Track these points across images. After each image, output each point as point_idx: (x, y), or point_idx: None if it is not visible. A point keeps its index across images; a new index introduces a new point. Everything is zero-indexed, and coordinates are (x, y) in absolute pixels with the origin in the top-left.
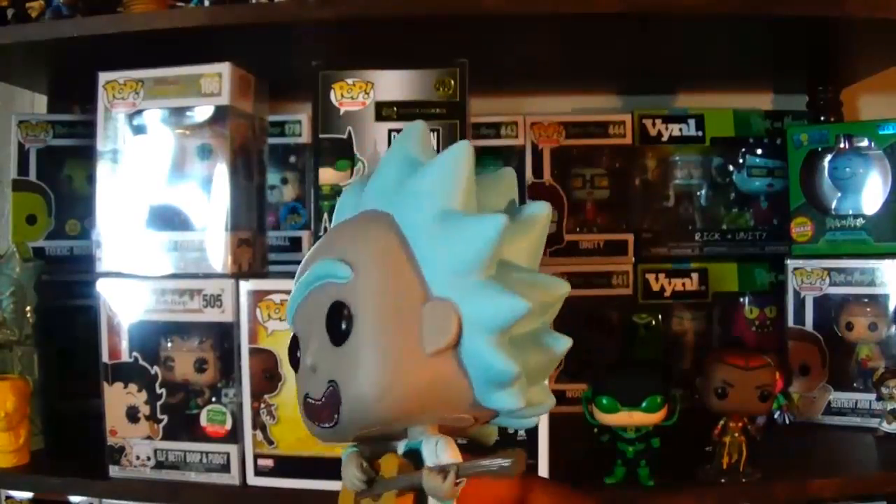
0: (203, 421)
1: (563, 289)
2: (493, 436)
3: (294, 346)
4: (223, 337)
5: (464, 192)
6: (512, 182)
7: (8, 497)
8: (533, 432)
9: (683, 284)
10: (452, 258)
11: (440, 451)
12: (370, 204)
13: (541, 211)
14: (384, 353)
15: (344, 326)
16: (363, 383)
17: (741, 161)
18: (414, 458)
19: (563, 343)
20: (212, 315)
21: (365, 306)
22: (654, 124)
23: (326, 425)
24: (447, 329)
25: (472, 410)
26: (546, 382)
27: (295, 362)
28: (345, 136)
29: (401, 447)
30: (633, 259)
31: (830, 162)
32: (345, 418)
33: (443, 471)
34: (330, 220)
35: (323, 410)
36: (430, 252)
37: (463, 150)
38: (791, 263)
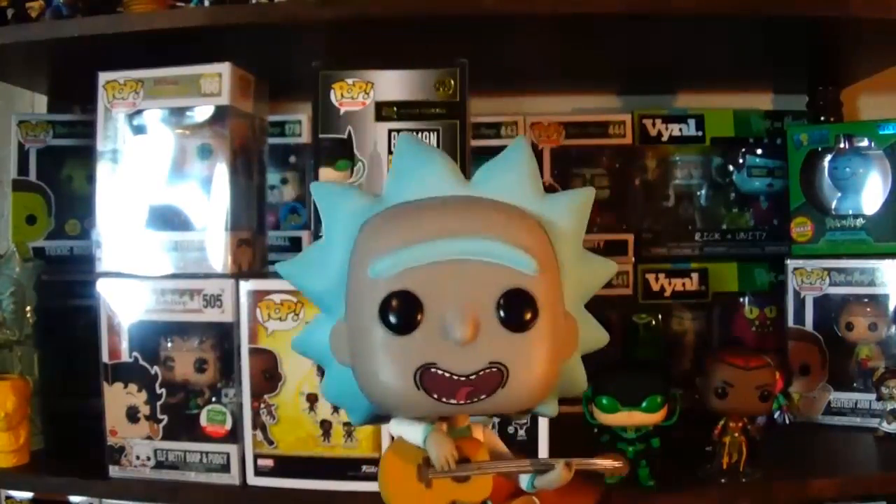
0: (203, 421)
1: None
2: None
3: (408, 307)
4: (223, 337)
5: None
6: None
7: (8, 497)
8: (533, 432)
9: (683, 284)
10: (582, 286)
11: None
12: (499, 192)
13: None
14: (553, 351)
15: (530, 316)
16: (538, 374)
17: (741, 161)
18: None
19: None
20: (212, 315)
21: (546, 304)
22: (654, 124)
23: (462, 402)
24: (575, 343)
25: None
26: None
27: (405, 325)
28: (345, 136)
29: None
30: (633, 259)
31: (830, 162)
32: (492, 399)
33: (568, 464)
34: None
35: (473, 387)
36: (572, 274)
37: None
38: (791, 263)
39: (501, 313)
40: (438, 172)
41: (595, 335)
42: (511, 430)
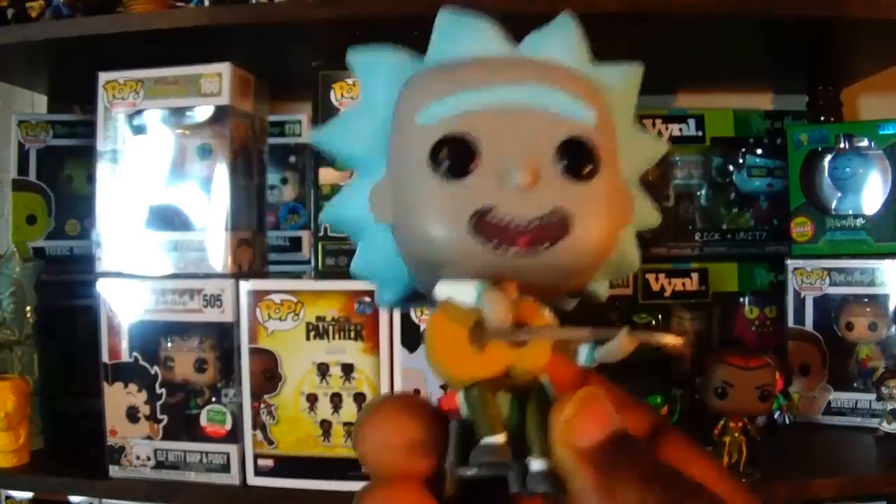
0: (203, 421)
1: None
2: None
3: (460, 150)
4: (223, 337)
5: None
6: None
7: (8, 497)
8: None
9: (683, 284)
10: (636, 160)
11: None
12: (553, 56)
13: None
14: (614, 208)
15: (590, 166)
16: (601, 224)
17: (741, 161)
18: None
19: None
20: (212, 315)
21: (607, 159)
22: (654, 124)
23: (523, 250)
24: (630, 211)
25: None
26: None
27: (458, 169)
28: None
29: None
30: None
31: (830, 162)
32: (554, 250)
33: (631, 335)
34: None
35: (536, 233)
36: (626, 144)
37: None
38: (791, 263)
39: (563, 161)
40: (486, 33)
41: (648, 212)
42: None
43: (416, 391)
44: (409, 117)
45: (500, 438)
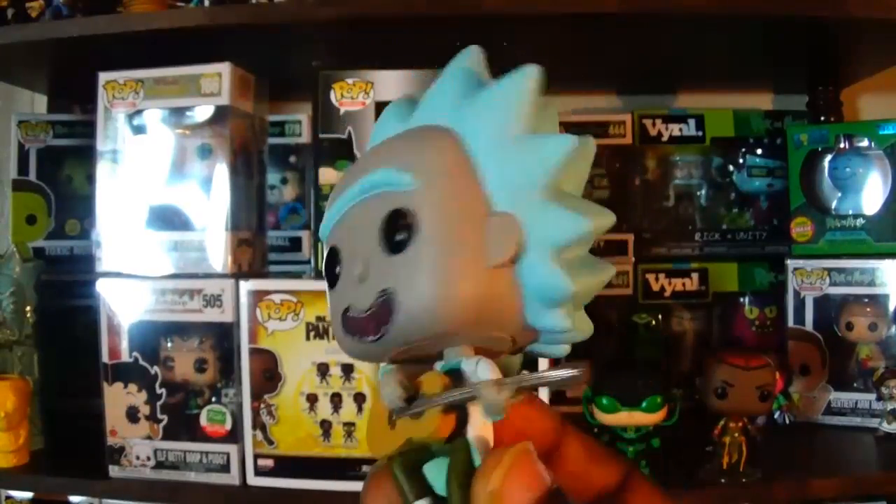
0: (203, 421)
1: (610, 218)
2: (516, 367)
3: (332, 261)
4: (223, 337)
5: (534, 111)
6: (556, 113)
7: (8, 497)
8: None
9: (683, 284)
10: (521, 174)
11: (481, 371)
12: (424, 119)
13: (591, 141)
14: (446, 262)
15: (405, 234)
16: (424, 291)
17: (741, 161)
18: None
19: (609, 269)
20: (212, 315)
21: (430, 215)
22: (654, 124)
23: (371, 338)
24: (510, 242)
25: (516, 331)
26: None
27: (332, 278)
28: (345, 136)
29: (437, 368)
30: (633, 259)
31: (830, 162)
32: (394, 329)
33: (498, 383)
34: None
35: (370, 321)
36: (497, 167)
37: (534, 72)
38: (791, 263)
39: (382, 238)
40: (385, 118)
41: (555, 228)
42: None
43: None
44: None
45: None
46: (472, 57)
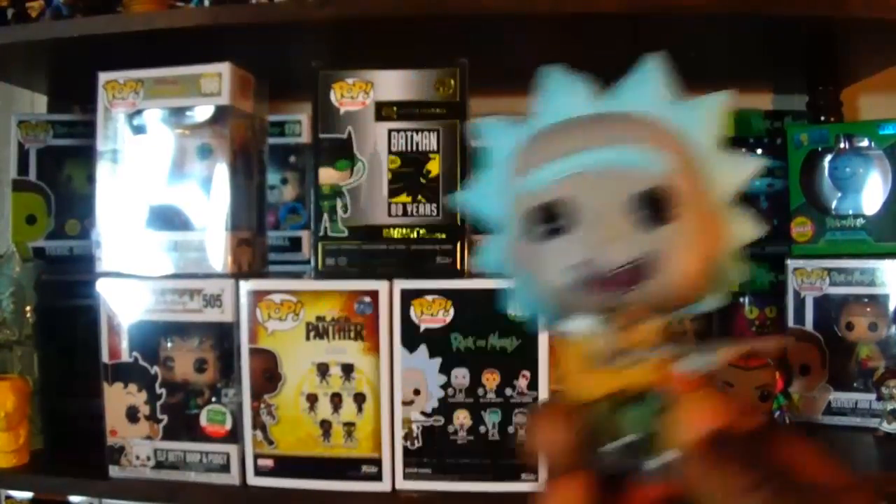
0: (203, 421)
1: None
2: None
3: (550, 214)
4: (223, 337)
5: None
6: None
7: (8, 497)
8: None
9: None
10: (728, 183)
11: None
12: (631, 106)
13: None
14: (699, 239)
15: (668, 210)
16: (683, 261)
17: None
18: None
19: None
20: (212, 315)
21: (687, 195)
22: None
23: (619, 291)
24: (724, 236)
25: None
26: None
27: (556, 227)
28: (345, 136)
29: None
30: None
31: (830, 162)
32: (646, 288)
33: (726, 349)
34: (330, 220)
35: (623, 277)
36: (709, 168)
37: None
38: (791, 263)
39: (644, 209)
40: (576, 95)
41: (746, 228)
42: (511, 430)
43: (416, 391)
44: (518, 184)
45: (618, 442)
46: (660, 62)
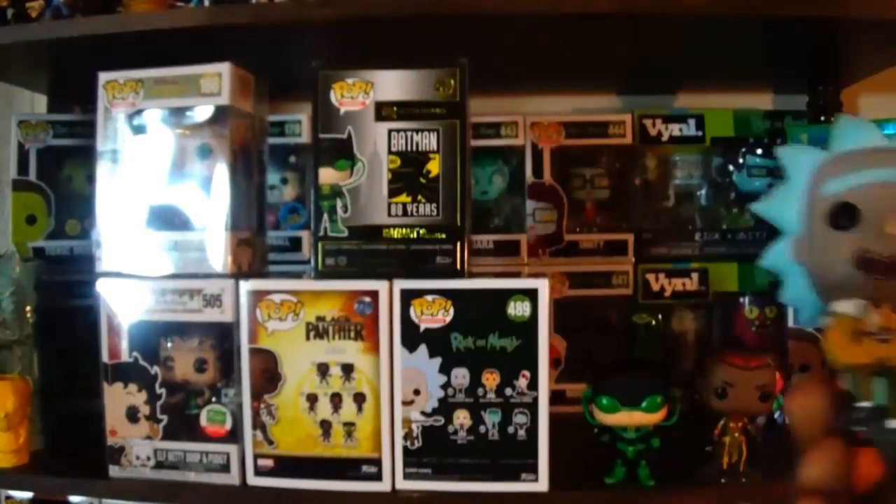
0: (203, 421)
1: None
2: None
3: (848, 213)
4: (223, 337)
5: None
6: None
7: (8, 497)
8: (533, 432)
9: (683, 284)
10: None
11: None
12: None
13: None
14: None
15: None
16: None
17: (741, 161)
18: None
19: None
20: (212, 315)
21: None
22: (654, 124)
23: (892, 276)
24: None
25: None
26: None
27: (843, 224)
28: (345, 136)
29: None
30: (633, 259)
31: None
32: None
33: None
34: (330, 220)
35: (891, 266)
36: None
37: None
38: None
39: None
40: (871, 133)
41: None
42: (511, 430)
43: (416, 391)
44: (817, 191)
45: (867, 403)
46: None
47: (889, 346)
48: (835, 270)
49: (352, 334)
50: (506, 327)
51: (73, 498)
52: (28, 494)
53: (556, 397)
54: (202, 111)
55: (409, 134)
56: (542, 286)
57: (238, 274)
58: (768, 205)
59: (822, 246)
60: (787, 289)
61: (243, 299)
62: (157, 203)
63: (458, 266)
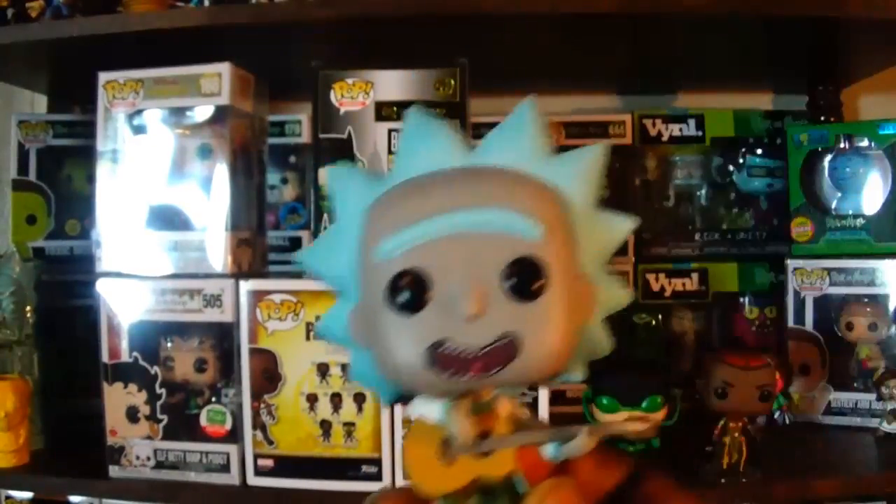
0: (203, 421)
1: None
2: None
3: (417, 285)
4: (223, 337)
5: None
6: None
7: (8, 497)
8: None
9: (683, 284)
10: (598, 245)
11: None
12: (499, 159)
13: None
14: (567, 316)
15: (537, 284)
16: (551, 340)
17: (741, 161)
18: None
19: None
20: (212, 315)
21: (556, 268)
22: (654, 124)
23: (474, 376)
24: (592, 304)
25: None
26: None
27: (411, 303)
28: (345, 136)
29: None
30: (633, 259)
31: (830, 162)
32: (510, 370)
33: (591, 431)
34: (330, 220)
35: (488, 359)
36: (584, 232)
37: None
38: (791, 263)
39: (509, 283)
40: (442, 145)
41: (615, 295)
42: None
43: None
44: (370, 249)
45: None
46: (534, 108)
47: (489, 460)
48: (403, 367)
49: None
50: None
51: (73, 498)
52: (28, 494)
53: (556, 397)
54: (202, 111)
55: None
56: None
57: (238, 274)
58: (310, 256)
59: (385, 332)
60: (352, 365)
61: (243, 299)
62: (157, 203)
63: None
